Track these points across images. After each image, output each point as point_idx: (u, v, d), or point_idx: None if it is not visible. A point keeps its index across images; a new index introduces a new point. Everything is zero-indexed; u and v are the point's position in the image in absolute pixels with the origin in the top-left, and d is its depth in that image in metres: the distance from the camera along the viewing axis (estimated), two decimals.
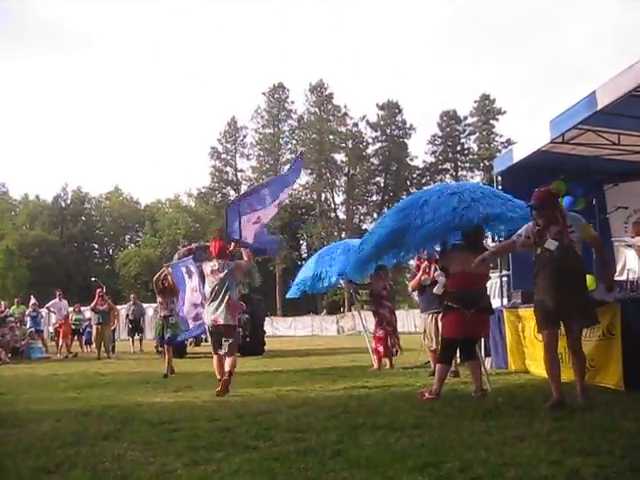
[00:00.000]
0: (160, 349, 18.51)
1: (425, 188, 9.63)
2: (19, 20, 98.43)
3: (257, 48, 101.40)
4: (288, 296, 13.56)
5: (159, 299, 12.11)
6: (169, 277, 12.13)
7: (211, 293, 8.46)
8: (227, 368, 8.26)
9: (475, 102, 68.99)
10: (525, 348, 9.52)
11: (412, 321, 35.50)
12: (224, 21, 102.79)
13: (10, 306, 21.29)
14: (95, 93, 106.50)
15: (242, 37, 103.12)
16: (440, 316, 8.48)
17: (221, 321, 8.31)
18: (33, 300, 20.52)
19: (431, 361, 9.95)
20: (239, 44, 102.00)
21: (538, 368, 9.06)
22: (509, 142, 59.75)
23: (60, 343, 20.25)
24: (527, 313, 9.38)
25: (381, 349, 11.67)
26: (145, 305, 25.17)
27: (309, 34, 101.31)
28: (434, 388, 7.12)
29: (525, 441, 4.50)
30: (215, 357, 8.60)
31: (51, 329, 23.35)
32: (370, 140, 70.01)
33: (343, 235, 61.22)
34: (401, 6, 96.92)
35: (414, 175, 70.61)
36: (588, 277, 9.91)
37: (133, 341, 21.80)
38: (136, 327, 22.01)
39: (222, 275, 8.41)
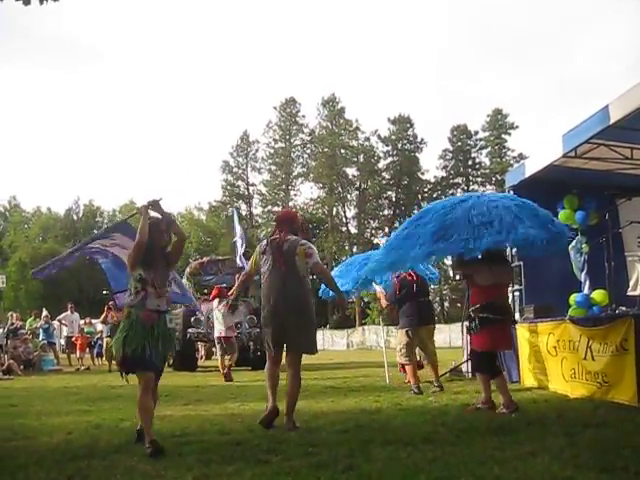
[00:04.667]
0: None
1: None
2: (34, 35, 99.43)
3: (269, 62, 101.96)
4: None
5: (144, 273, 5.52)
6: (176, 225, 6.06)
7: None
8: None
9: (488, 116, 69.04)
10: (538, 363, 9.46)
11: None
12: (236, 35, 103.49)
13: (25, 319, 21.41)
14: (109, 107, 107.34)
15: (254, 51, 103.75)
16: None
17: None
18: (45, 312, 20.59)
19: (409, 375, 9.90)
20: (251, 58, 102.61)
21: (551, 383, 9.01)
22: (521, 156, 59.68)
23: (78, 355, 20.43)
24: (540, 328, 9.33)
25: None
26: None
27: (321, 48, 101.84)
28: (484, 398, 7.18)
29: (538, 457, 4.46)
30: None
31: (62, 341, 23.40)
32: (381, 154, 70.27)
33: (354, 249, 61.26)
34: (414, 20, 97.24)
35: (425, 189, 70.63)
36: (601, 292, 9.94)
37: None
38: None
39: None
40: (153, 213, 5.71)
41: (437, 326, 10.48)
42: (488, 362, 7.39)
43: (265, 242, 6.81)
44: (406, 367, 9.91)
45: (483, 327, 7.23)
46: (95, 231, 75.49)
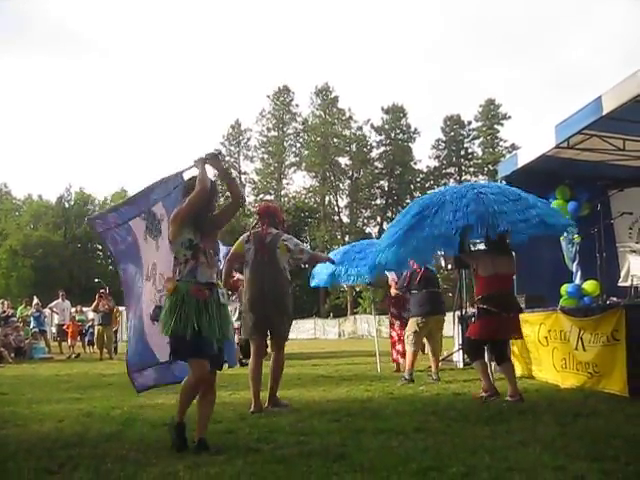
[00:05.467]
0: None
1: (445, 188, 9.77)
2: (28, 24, 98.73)
3: (262, 51, 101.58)
4: (314, 284, 12.88)
5: (196, 238, 4.76)
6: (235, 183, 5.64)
7: None
8: None
9: (480, 107, 69.04)
10: (529, 353, 9.49)
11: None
12: (230, 24, 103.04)
13: (16, 306, 21.34)
14: (100, 94, 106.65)
15: (248, 40, 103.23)
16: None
17: None
18: (36, 300, 20.54)
19: (408, 362, 9.81)
20: (244, 47, 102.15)
21: (542, 373, 9.05)
22: (514, 147, 59.71)
23: (70, 343, 20.44)
24: (531, 318, 9.36)
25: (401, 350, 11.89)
26: None
27: (315, 37, 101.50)
28: (484, 386, 7.24)
29: (529, 446, 4.48)
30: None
31: (54, 329, 23.34)
32: (374, 144, 70.17)
33: (347, 239, 61.27)
34: (408, 10, 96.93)
35: (418, 179, 70.64)
36: (592, 282, 9.98)
37: None
38: None
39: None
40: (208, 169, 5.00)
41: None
42: (476, 349, 7.48)
43: (248, 233, 7.22)
44: (408, 353, 9.91)
45: (481, 318, 7.28)
46: (87, 219, 75.38)
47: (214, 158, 5.05)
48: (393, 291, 11.22)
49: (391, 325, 12.15)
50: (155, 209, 5.44)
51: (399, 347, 11.72)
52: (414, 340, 9.87)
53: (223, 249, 14.16)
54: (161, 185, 5.47)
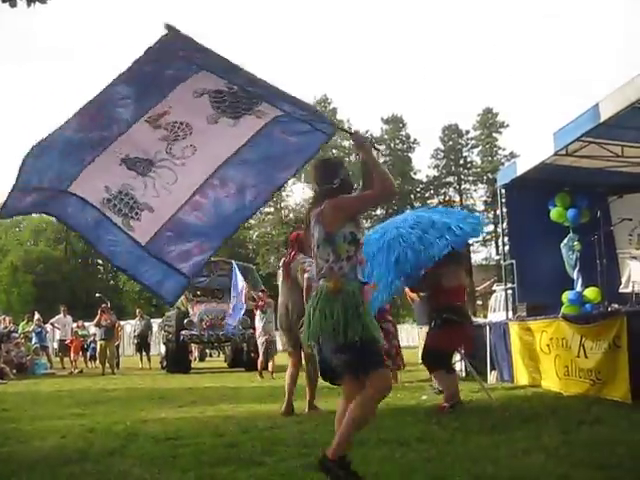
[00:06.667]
0: (165, 365, 18.35)
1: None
2: (28, 37, 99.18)
3: (260, 62, 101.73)
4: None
5: (358, 233, 4.44)
6: None
7: None
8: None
9: (478, 115, 69.10)
10: (531, 361, 9.48)
11: (417, 335, 35.43)
12: (228, 36, 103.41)
13: (17, 322, 21.35)
14: None
15: (246, 52, 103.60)
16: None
17: None
18: (37, 316, 20.53)
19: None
20: (243, 59, 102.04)
21: (545, 381, 9.03)
22: (512, 155, 59.63)
23: (72, 358, 20.44)
24: (533, 326, 9.36)
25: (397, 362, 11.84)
26: (151, 320, 24.65)
27: (313, 48, 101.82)
28: (447, 396, 7.31)
29: (533, 455, 4.47)
30: None
31: (55, 345, 23.32)
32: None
33: None
34: (405, 20, 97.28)
35: (418, 189, 70.66)
36: (593, 289, 9.98)
37: (141, 357, 21.64)
38: (143, 343, 21.78)
39: None
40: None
41: (421, 327, 10.48)
42: (448, 360, 7.77)
43: (282, 261, 8.09)
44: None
45: (446, 327, 7.31)
46: None
47: (376, 151, 4.52)
48: (414, 295, 10.79)
49: None
50: (252, 88, 4.40)
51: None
52: None
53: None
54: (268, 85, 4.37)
